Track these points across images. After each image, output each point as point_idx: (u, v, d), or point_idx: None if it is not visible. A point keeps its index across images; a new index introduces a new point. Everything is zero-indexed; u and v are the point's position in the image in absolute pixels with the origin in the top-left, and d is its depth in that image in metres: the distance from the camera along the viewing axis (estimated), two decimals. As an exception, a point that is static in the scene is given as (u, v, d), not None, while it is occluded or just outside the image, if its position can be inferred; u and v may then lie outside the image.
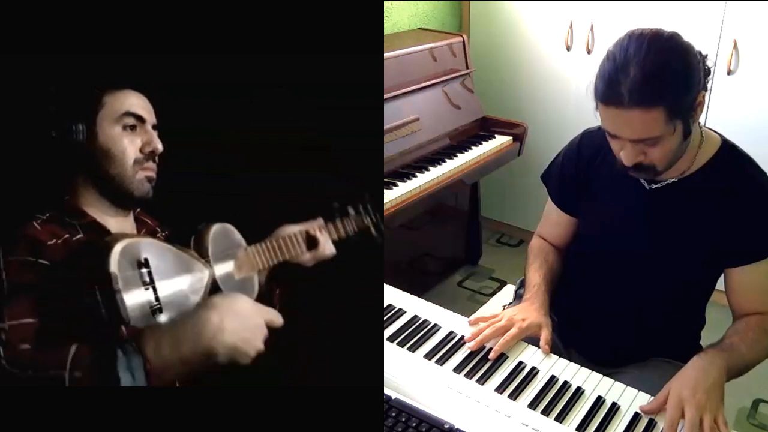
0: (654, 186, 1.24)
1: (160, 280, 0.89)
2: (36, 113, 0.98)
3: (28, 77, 1.02)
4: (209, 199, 1.24)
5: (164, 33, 1.03)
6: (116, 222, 1.03)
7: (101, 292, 0.83)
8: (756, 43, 2.26)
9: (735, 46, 2.28)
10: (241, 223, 1.13)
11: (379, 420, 1.01)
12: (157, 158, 1.05)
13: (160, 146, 1.04)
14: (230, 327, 0.80)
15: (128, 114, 1.01)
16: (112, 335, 0.82)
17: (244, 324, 0.82)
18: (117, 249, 0.85)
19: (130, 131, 1.01)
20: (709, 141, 1.21)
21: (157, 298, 0.87)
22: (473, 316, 1.30)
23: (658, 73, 1.02)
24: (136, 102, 1.03)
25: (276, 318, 0.89)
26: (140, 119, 1.03)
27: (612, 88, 1.04)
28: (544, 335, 1.23)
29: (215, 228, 1.05)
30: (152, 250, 0.90)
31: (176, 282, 0.92)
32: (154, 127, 1.05)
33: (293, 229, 1.16)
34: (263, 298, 1.14)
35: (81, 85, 1.00)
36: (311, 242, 1.17)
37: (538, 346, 1.23)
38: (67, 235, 0.95)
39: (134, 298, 0.85)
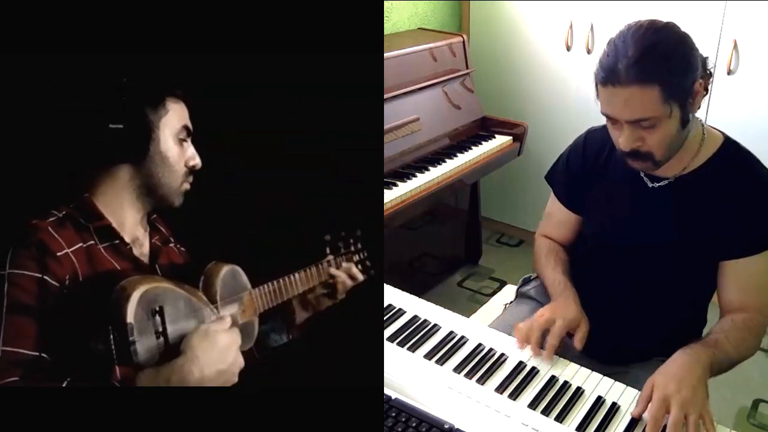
0: (657, 185, 1.25)
1: (170, 326, 0.88)
2: (95, 102, 0.94)
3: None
4: (207, 200, 1.24)
5: (163, 33, 1.02)
6: (132, 227, 1.00)
7: (116, 341, 0.82)
8: (756, 43, 2.26)
9: (735, 46, 2.28)
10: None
11: (379, 420, 1.01)
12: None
13: (200, 162, 1.04)
14: (210, 374, 0.86)
15: (185, 127, 1.01)
16: (109, 377, 0.81)
17: (221, 365, 0.88)
18: (135, 297, 0.83)
19: (180, 144, 1.01)
20: (711, 138, 1.23)
21: (167, 347, 0.86)
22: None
23: (653, 50, 1.07)
24: (186, 114, 1.02)
25: (239, 339, 0.95)
26: (189, 133, 1.03)
27: (611, 68, 1.09)
28: (583, 332, 1.23)
29: (225, 270, 1.03)
30: (167, 297, 0.89)
31: (184, 327, 0.90)
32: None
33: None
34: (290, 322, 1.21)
35: (152, 83, 0.98)
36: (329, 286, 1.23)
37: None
38: (80, 244, 0.90)
39: (145, 344, 0.84)
